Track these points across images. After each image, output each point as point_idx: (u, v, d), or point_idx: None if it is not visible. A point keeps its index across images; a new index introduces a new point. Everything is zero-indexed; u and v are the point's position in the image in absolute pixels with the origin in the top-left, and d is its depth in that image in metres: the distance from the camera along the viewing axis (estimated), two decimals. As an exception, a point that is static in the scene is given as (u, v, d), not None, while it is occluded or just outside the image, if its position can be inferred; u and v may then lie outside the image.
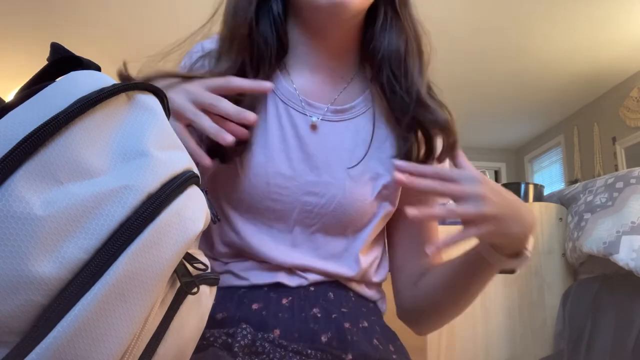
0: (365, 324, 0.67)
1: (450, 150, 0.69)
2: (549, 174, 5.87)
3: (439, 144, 0.71)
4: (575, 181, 4.37)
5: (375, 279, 0.74)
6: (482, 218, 0.56)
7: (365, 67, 0.76)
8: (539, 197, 1.60)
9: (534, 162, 6.15)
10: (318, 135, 0.70)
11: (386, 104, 0.73)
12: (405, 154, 0.70)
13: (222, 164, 0.66)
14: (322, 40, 0.72)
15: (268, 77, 0.69)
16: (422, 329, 0.79)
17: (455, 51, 3.98)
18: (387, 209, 0.74)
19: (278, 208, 0.68)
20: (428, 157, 0.71)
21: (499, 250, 0.62)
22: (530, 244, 0.62)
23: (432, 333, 1.34)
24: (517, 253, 0.62)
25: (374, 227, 0.73)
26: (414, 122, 0.70)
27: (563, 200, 1.50)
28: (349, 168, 0.70)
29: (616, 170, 4.47)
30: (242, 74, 0.66)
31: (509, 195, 0.60)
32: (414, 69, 0.70)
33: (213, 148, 0.64)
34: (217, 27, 0.77)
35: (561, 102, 4.96)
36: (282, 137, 0.69)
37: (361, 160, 0.70)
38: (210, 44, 0.74)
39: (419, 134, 0.71)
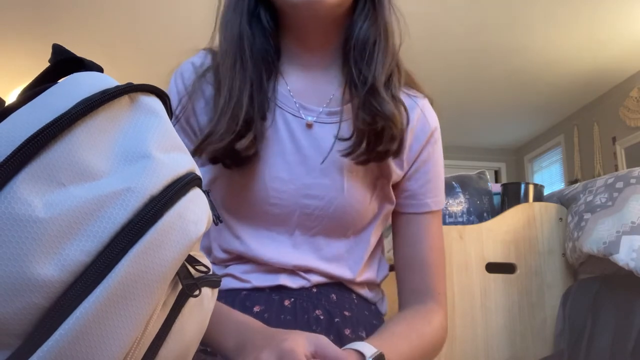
0: (368, 330, 0.67)
1: (390, 141, 0.67)
2: (549, 174, 5.86)
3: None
4: (575, 181, 4.37)
5: (377, 280, 0.74)
6: None
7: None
8: (539, 197, 1.59)
9: (534, 162, 6.14)
10: (313, 138, 0.70)
11: None
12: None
13: (225, 168, 0.66)
14: (308, 40, 0.72)
15: (269, 83, 0.69)
16: None
17: (455, 50, 3.98)
18: (388, 207, 0.73)
19: (277, 212, 0.68)
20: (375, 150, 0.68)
21: None
22: None
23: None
24: None
25: (376, 227, 0.72)
26: (364, 109, 0.67)
27: (563, 200, 1.50)
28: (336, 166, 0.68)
29: (616, 170, 4.47)
30: (245, 85, 0.65)
31: None
32: (378, 59, 0.69)
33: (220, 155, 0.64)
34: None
35: (561, 102, 4.95)
36: (278, 140, 0.69)
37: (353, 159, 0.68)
38: (199, 58, 0.73)
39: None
